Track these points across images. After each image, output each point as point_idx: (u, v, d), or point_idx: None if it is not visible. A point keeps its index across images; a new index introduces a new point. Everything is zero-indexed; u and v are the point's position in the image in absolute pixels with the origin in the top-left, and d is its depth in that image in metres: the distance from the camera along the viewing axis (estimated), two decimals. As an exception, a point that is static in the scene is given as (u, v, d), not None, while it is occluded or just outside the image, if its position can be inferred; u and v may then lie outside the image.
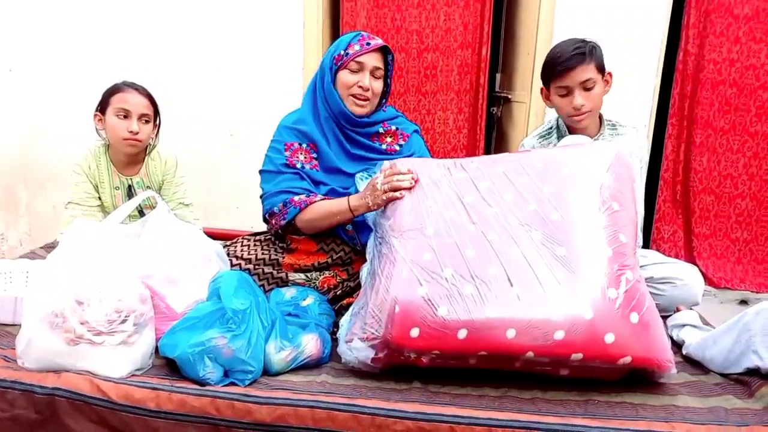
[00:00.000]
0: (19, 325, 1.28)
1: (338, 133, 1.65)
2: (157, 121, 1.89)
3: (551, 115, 2.62)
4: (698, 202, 2.76)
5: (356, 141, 1.67)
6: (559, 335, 1.14)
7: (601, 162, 1.37)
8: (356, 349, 1.26)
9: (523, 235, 1.26)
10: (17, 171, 3.01)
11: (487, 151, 3.05)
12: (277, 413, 1.14)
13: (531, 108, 2.66)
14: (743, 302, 2.75)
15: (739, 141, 2.67)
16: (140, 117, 1.80)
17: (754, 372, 1.24)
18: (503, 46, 3.10)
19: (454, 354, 1.19)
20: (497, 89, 3.11)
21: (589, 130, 1.78)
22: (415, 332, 1.18)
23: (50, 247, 1.95)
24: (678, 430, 1.09)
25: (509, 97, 2.95)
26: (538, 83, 2.60)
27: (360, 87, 1.59)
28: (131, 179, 1.91)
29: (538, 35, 2.56)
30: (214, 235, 1.75)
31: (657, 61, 2.57)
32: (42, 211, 3.04)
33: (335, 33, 2.87)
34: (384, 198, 1.40)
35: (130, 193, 1.91)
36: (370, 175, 1.53)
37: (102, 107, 1.82)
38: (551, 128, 1.84)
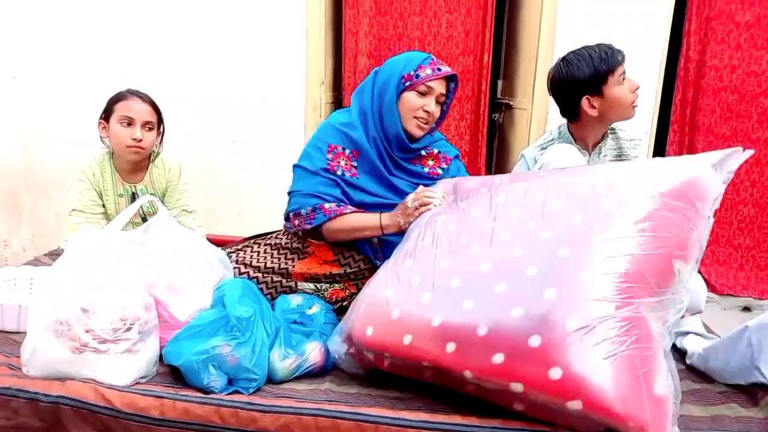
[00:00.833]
0: (24, 333, 1.28)
1: (383, 151, 1.61)
2: (161, 129, 1.90)
3: (552, 122, 2.64)
4: (700, 209, 2.77)
5: (399, 163, 1.64)
6: (498, 358, 1.04)
7: (658, 186, 1.13)
8: (334, 343, 1.32)
9: (512, 255, 1.16)
10: (20, 177, 3.02)
11: (489, 158, 3.06)
12: (281, 421, 1.14)
13: (533, 115, 2.67)
14: (746, 309, 2.74)
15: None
16: (144, 125, 1.81)
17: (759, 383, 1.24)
18: (505, 53, 3.11)
19: (403, 360, 1.19)
20: (499, 96, 3.12)
21: (594, 137, 1.79)
22: (369, 331, 1.23)
23: (54, 254, 1.96)
24: (682, 438, 1.08)
25: (511, 103, 2.96)
26: (540, 90, 2.64)
27: (426, 111, 1.57)
28: (135, 186, 1.92)
29: (540, 42, 2.58)
30: (215, 242, 1.75)
31: (659, 68, 2.58)
32: (45, 217, 3.05)
33: (338, 40, 2.89)
34: (416, 215, 1.41)
35: (134, 200, 1.91)
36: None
37: (106, 115, 1.83)
38: (553, 140, 1.84)
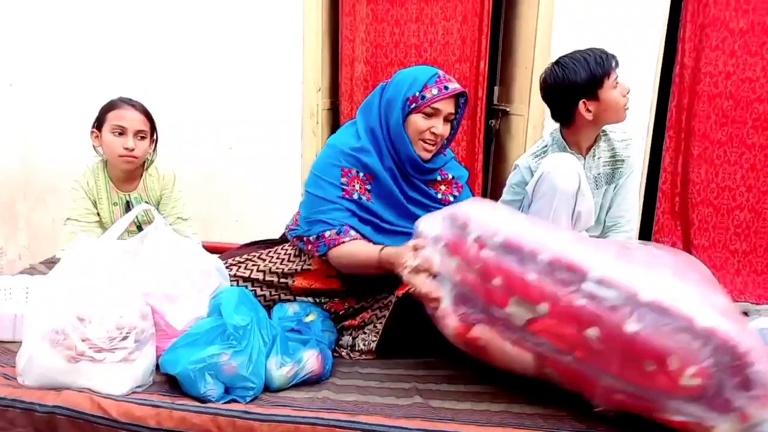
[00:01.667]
0: (19, 342, 1.27)
1: (397, 174, 1.54)
2: (154, 137, 1.90)
3: (549, 128, 2.65)
4: (697, 214, 2.77)
5: (415, 186, 1.57)
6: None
7: None
8: (434, 224, 1.25)
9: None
10: (17, 184, 3.01)
11: (486, 164, 3.06)
12: (278, 430, 1.14)
13: (529, 121, 2.67)
14: (744, 314, 2.75)
15: (737, 153, 2.69)
16: (136, 133, 1.80)
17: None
18: (501, 59, 3.13)
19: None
20: (495, 102, 3.13)
21: (587, 140, 1.79)
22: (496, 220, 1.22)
23: (50, 262, 1.95)
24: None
25: (507, 110, 2.97)
26: (537, 96, 2.63)
27: (433, 133, 1.48)
28: (129, 195, 1.92)
29: (536, 49, 2.59)
30: (212, 249, 1.74)
31: (654, 75, 2.60)
32: (41, 224, 3.04)
33: (334, 47, 2.89)
34: (410, 277, 1.25)
35: (128, 209, 1.91)
36: None
37: (98, 124, 1.83)
38: (546, 146, 1.84)
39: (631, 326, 1.05)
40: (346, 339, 1.54)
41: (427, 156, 1.53)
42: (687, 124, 2.71)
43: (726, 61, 2.59)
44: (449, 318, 1.22)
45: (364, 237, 1.49)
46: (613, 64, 1.69)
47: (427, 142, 1.50)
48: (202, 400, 1.20)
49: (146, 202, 1.91)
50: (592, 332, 1.08)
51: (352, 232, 1.46)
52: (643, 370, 1.06)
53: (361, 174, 1.52)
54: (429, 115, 1.48)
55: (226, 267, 1.60)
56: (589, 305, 1.08)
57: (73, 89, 2.85)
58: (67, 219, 1.88)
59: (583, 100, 1.70)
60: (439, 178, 1.60)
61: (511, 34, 2.94)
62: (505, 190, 1.93)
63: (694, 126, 2.70)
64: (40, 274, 1.78)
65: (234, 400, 1.22)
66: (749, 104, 2.61)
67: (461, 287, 1.20)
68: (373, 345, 1.50)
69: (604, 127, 1.83)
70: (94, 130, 1.84)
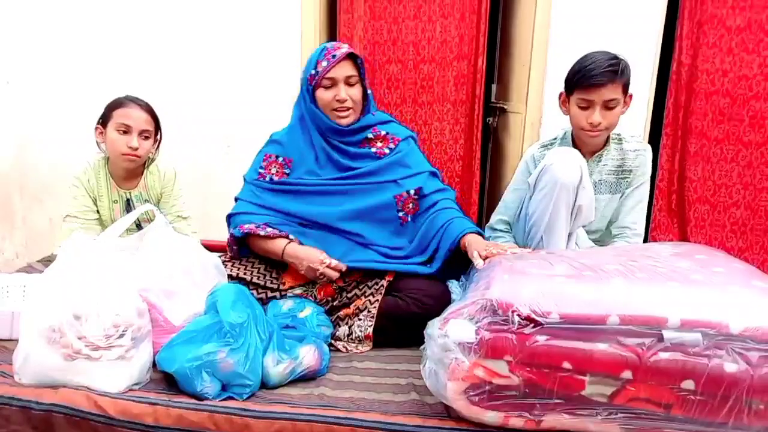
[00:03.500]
0: (16, 340, 1.27)
1: (327, 147, 1.70)
2: (158, 137, 1.90)
3: (547, 125, 2.65)
4: (693, 212, 2.78)
5: (346, 151, 1.70)
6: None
7: None
8: (458, 325, 1.09)
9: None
10: (13, 183, 3.00)
11: (483, 161, 3.06)
12: (275, 427, 1.14)
13: (527, 118, 2.67)
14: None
15: (733, 150, 2.69)
16: (141, 133, 1.81)
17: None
18: (499, 57, 3.12)
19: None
20: (493, 100, 3.13)
21: (594, 145, 1.78)
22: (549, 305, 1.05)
23: (47, 260, 1.95)
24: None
25: (505, 107, 2.97)
26: (534, 94, 2.65)
27: (338, 101, 1.63)
28: (130, 193, 1.92)
29: (533, 47, 2.59)
30: (210, 247, 1.74)
31: (651, 72, 2.60)
32: (38, 223, 3.03)
33: (332, 45, 2.89)
34: (313, 275, 1.54)
35: (128, 206, 1.91)
36: (463, 283, 1.53)
37: (103, 120, 1.83)
38: (555, 139, 1.84)
39: (730, 367, 0.98)
40: (343, 329, 1.55)
41: (346, 121, 1.67)
42: (684, 122, 2.71)
43: (723, 59, 2.59)
44: (513, 420, 1.08)
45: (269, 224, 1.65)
46: (598, 82, 1.61)
47: (338, 110, 1.64)
48: (199, 397, 1.21)
49: (146, 200, 1.91)
50: (688, 384, 1.00)
51: (248, 225, 1.62)
52: (752, 410, 0.99)
53: (281, 159, 1.73)
54: (329, 87, 1.63)
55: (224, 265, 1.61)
56: (676, 356, 1.00)
57: (70, 88, 2.84)
58: (67, 216, 1.88)
59: (563, 91, 1.72)
60: (371, 135, 1.73)
61: (509, 31, 2.94)
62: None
63: (691, 123, 2.70)
64: (38, 272, 1.78)
65: (231, 398, 1.22)
66: (746, 102, 2.61)
67: (524, 387, 1.05)
68: (370, 330, 1.52)
69: (620, 133, 1.80)
70: (99, 126, 1.84)
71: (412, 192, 1.69)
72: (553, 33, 2.56)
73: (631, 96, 1.72)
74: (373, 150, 1.72)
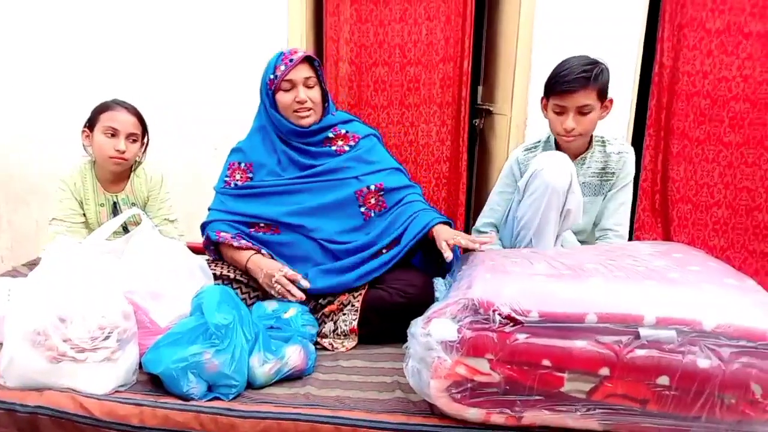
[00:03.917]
0: (1, 344, 1.27)
1: (288, 150, 1.74)
2: (145, 140, 1.90)
3: (532, 127, 2.68)
4: (676, 211, 2.82)
5: (307, 151, 1.74)
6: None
7: None
8: (440, 324, 1.11)
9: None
10: (-1, 185, 2.98)
11: (470, 162, 3.09)
12: (261, 427, 1.15)
13: (512, 120, 2.70)
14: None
15: (714, 150, 2.74)
16: (128, 136, 1.81)
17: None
18: (484, 59, 3.15)
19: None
20: (479, 102, 3.16)
21: (576, 148, 1.80)
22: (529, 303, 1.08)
23: (33, 264, 1.94)
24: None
25: (491, 109, 3.00)
26: (519, 96, 2.67)
27: (298, 102, 1.67)
28: (116, 196, 1.92)
29: (518, 49, 2.62)
30: (197, 250, 1.75)
31: (633, 74, 2.64)
32: (24, 226, 3.01)
33: (319, 48, 2.90)
34: (273, 292, 1.56)
35: (115, 209, 1.91)
36: (449, 281, 1.53)
37: (90, 124, 1.83)
38: (539, 142, 1.86)
39: (703, 363, 1.01)
40: (329, 326, 1.57)
41: (307, 121, 1.71)
42: (666, 123, 2.76)
43: (703, 61, 2.64)
44: (494, 417, 1.11)
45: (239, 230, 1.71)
46: (570, 88, 1.62)
47: (298, 111, 1.69)
48: (186, 398, 1.21)
49: (133, 204, 1.91)
50: (663, 380, 1.03)
51: (224, 234, 1.68)
52: (725, 404, 1.02)
53: (243, 165, 1.79)
54: (288, 89, 1.68)
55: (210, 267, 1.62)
56: (652, 353, 1.03)
57: (58, 90, 2.83)
58: (53, 219, 1.88)
59: (543, 96, 1.74)
60: (331, 135, 1.76)
61: (494, 34, 2.97)
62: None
63: (674, 124, 2.74)
64: (23, 276, 1.77)
65: (217, 398, 1.23)
66: (726, 103, 2.66)
67: (504, 384, 1.08)
68: (354, 323, 1.54)
69: (603, 135, 1.82)
70: (86, 129, 1.84)
71: (373, 187, 1.71)
72: (537, 35, 2.59)
73: (611, 100, 1.74)
74: (334, 148, 1.75)
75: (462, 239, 1.47)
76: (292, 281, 1.55)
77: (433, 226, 1.59)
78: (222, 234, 1.68)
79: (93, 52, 2.79)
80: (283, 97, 1.69)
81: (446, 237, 1.50)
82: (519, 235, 1.69)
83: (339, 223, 1.69)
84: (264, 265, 1.59)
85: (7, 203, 3.01)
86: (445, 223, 1.62)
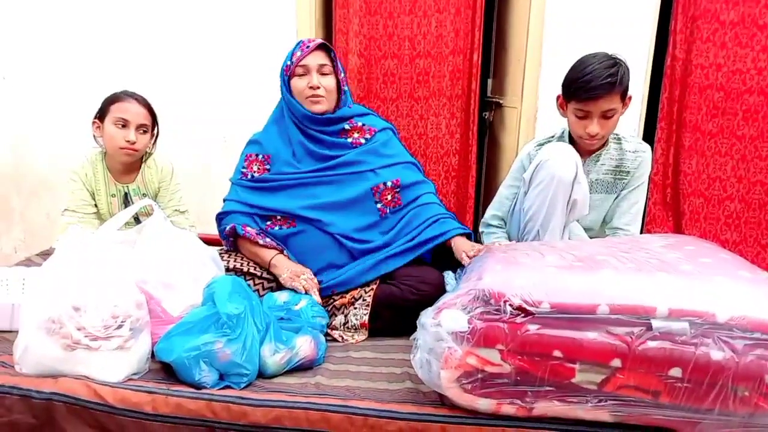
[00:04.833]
0: (16, 331, 1.29)
1: (303, 139, 1.74)
2: (155, 131, 1.91)
3: (542, 120, 2.67)
4: (688, 205, 2.80)
5: (322, 140, 1.74)
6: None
7: None
8: (450, 315, 1.10)
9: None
10: (10, 178, 3.01)
11: (480, 155, 3.08)
12: (272, 415, 1.16)
13: (522, 113, 2.69)
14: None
15: (727, 144, 2.71)
16: (138, 127, 1.82)
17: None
18: (494, 52, 3.13)
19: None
20: (489, 95, 3.14)
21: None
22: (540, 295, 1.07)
23: (46, 254, 1.96)
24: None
25: (501, 102, 2.98)
26: (529, 89, 2.66)
27: (311, 88, 1.69)
28: (127, 187, 1.93)
29: (528, 42, 2.60)
30: (208, 241, 1.76)
31: (646, 66, 2.61)
32: (36, 218, 3.04)
33: (328, 39, 2.90)
34: (290, 284, 1.59)
35: (126, 200, 1.92)
36: (459, 274, 1.53)
37: (101, 115, 1.84)
38: (552, 137, 1.84)
39: (716, 354, 1.00)
40: (339, 318, 1.58)
41: (319, 108, 1.71)
42: (678, 116, 2.73)
43: (717, 53, 2.61)
44: (505, 407, 1.10)
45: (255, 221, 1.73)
46: (597, 98, 1.58)
47: (312, 98, 1.70)
48: (198, 386, 1.22)
49: (144, 194, 1.93)
50: (675, 372, 1.02)
51: (250, 229, 1.69)
52: (738, 396, 1.01)
53: (261, 156, 1.79)
54: (302, 75, 1.70)
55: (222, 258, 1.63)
56: (664, 345, 1.02)
57: (67, 83, 2.84)
58: (65, 210, 1.90)
59: (560, 94, 1.71)
60: (347, 127, 1.77)
61: (504, 26, 2.95)
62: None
63: (686, 118, 2.72)
64: (37, 265, 1.79)
65: (228, 387, 1.24)
66: (740, 96, 2.63)
67: (515, 375, 1.07)
68: (365, 318, 1.54)
69: (619, 132, 1.78)
70: (96, 120, 1.85)
71: (389, 183, 1.71)
72: (548, 28, 2.57)
73: (630, 98, 1.69)
74: (350, 140, 1.76)
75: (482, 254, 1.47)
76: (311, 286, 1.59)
77: (451, 237, 1.63)
78: (248, 229, 1.69)
79: (102, 46, 2.80)
80: (297, 83, 1.71)
81: (465, 249, 1.54)
82: (526, 227, 1.69)
83: (355, 218, 1.69)
84: (290, 266, 1.63)
85: (19, 196, 3.04)
86: (463, 234, 1.65)
